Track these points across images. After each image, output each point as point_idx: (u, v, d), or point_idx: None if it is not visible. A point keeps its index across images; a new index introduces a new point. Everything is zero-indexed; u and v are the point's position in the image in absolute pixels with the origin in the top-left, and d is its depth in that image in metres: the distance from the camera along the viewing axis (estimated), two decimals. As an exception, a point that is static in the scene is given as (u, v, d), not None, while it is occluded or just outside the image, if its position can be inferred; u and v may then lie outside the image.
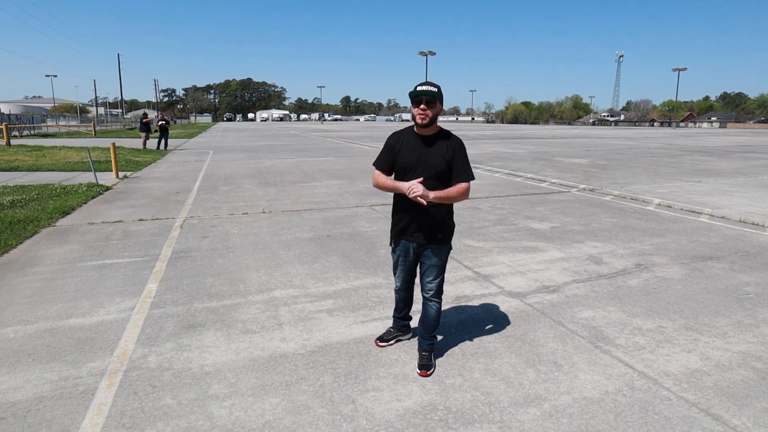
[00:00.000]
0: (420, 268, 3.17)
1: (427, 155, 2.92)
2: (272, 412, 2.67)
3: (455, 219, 3.25)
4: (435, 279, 3.10)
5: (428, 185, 2.84)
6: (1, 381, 2.99)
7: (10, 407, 2.74)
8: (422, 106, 2.83)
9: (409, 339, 3.52)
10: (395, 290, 3.38)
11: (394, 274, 3.31)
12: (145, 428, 2.55)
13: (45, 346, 3.46)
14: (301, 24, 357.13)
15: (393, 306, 3.66)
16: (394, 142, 3.04)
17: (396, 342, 3.47)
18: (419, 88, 2.84)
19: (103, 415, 2.66)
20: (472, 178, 2.96)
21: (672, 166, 15.93)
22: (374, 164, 3.08)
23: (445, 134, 2.99)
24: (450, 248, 3.13)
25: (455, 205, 3.26)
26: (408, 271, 3.23)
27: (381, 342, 3.44)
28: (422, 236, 3.02)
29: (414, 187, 2.78)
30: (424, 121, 2.86)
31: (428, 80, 2.93)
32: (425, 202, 2.80)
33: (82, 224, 7.21)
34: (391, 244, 3.23)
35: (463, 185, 2.91)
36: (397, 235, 3.12)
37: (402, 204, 3.02)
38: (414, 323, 3.64)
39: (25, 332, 3.67)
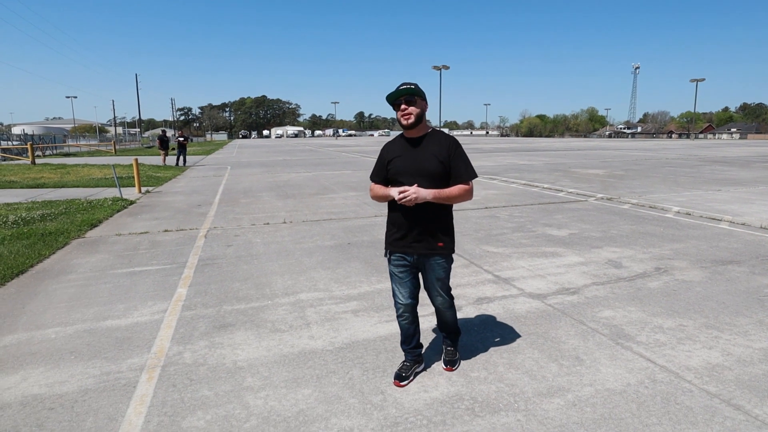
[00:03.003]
0: (424, 283, 2.99)
1: (418, 158, 2.76)
2: (305, 402, 2.80)
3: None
4: (443, 292, 2.98)
5: (425, 188, 2.70)
6: (47, 376, 3.17)
7: (57, 399, 2.90)
8: (402, 106, 2.71)
9: (423, 369, 3.15)
10: (399, 313, 3.02)
11: (394, 292, 3.00)
12: (186, 416, 2.69)
13: (85, 344, 3.64)
14: (315, 41, 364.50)
15: None
16: (385, 152, 2.92)
17: (414, 377, 3.05)
18: (395, 91, 2.71)
19: (146, 404, 2.82)
20: (475, 176, 2.80)
21: (691, 176, 15.82)
22: (370, 177, 2.99)
23: (437, 134, 2.83)
24: (452, 260, 2.96)
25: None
26: (410, 286, 2.95)
27: (401, 381, 2.97)
28: (422, 247, 2.82)
29: (404, 191, 2.63)
30: (410, 121, 2.72)
31: (405, 81, 2.78)
32: (412, 203, 2.65)
33: (110, 235, 7.47)
34: (386, 255, 2.98)
35: (464, 185, 2.75)
36: (393, 245, 2.89)
37: (398, 212, 2.83)
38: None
39: (65, 333, 3.86)
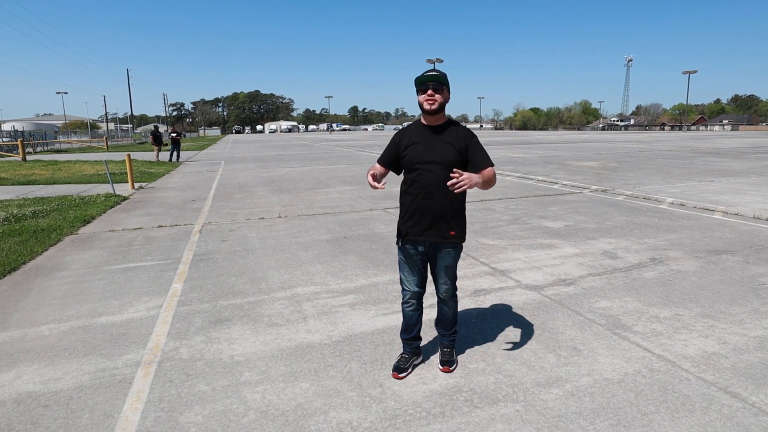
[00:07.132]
0: (432, 269, 3.00)
1: (436, 146, 2.77)
2: (303, 396, 2.79)
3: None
4: (449, 280, 2.98)
5: (440, 177, 2.71)
6: (41, 373, 3.14)
7: (53, 396, 2.87)
8: (429, 92, 2.72)
9: (422, 362, 3.17)
10: (405, 300, 3.03)
11: (402, 280, 3.03)
12: (183, 412, 2.67)
13: (80, 341, 3.60)
14: (308, 35, 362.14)
15: None
16: (399, 137, 2.91)
17: (412, 369, 3.07)
18: (425, 74, 2.74)
19: (142, 401, 2.79)
20: (492, 164, 2.83)
21: (684, 167, 15.90)
22: (378, 159, 2.99)
23: (454, 124, 2.86)
24: (461, 248, 2.97)
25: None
26: (419, 274, 2.98)
27: (400, 373, 2.98)
28: (434, 234, 2.82)
29: (459, 179, 2.55)
30: (433, 107, 2.73)
31: (432, 69, 2.82)
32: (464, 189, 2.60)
33: (104, 232, 7.40)
34: (398, 243, 2.98)
35: (491, 169, 2.78)
36: (406, 233, 2.88)
37: (411, 198, 2.83)
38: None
39: (59, 329, 3.82)
